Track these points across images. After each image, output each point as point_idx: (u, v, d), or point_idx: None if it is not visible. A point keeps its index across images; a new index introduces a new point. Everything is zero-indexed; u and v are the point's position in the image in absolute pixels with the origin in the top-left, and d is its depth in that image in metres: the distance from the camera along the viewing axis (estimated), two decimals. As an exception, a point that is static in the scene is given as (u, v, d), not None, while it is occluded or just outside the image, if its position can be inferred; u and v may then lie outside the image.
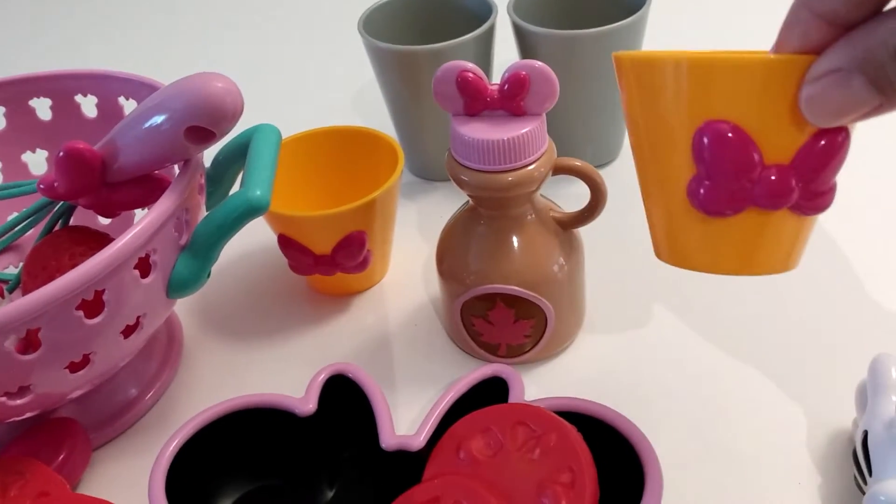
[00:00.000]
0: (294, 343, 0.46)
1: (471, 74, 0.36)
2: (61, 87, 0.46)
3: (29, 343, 0.33)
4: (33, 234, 0.48)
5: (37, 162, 0.48)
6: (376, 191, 0.43)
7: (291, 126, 0.46)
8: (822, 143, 0.26)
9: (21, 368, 0.33)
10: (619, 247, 0.47)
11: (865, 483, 0.33)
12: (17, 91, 0.47)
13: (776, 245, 0.28)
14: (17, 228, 0.44)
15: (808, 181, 0.26)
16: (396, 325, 0.46)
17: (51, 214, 0.43)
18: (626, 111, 0.29)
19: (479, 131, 0.36)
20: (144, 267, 0.35)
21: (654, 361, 0.42)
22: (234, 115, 0.34)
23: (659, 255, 0.30)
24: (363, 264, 0.46)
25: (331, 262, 0.45)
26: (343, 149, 0.48)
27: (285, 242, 0.45)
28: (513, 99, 0.36)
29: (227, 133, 0.35)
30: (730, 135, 0.26)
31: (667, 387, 0.40)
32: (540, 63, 0.35)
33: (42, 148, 0.48)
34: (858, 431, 0.34)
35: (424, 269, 0.49)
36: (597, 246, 0.43)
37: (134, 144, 0.36)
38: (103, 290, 0.33)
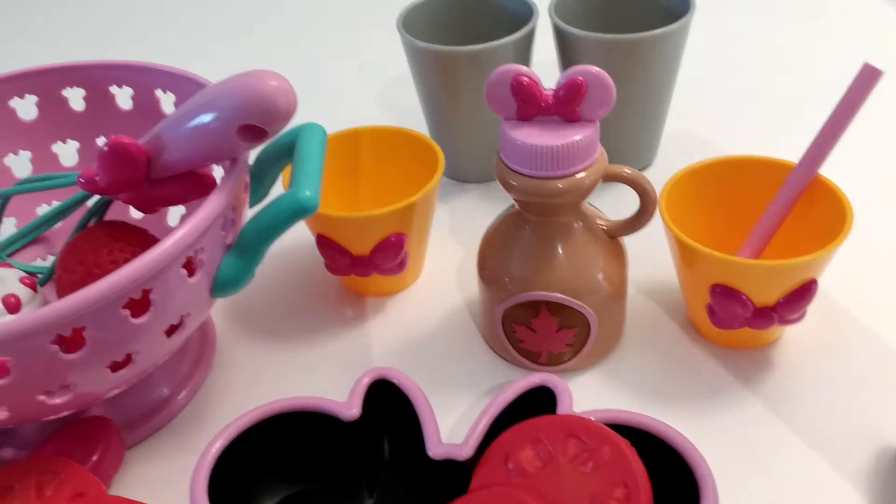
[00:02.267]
0: (327, 344, 0.45)
1: (526, 79, 0.36)
2: (95, 76, 0.45)
3: (72, 341, 0.32)
4: (60, 227, 0.48)
5: (67, 153, 0.48)
6: (416, 193, 0.43)
7: (325, 124, 0.46)
8: (798, 293, 0.38)
9: (64, 367, 0.32)
10: (659, 254, 0.46)
11: (920, 505, 0.32)
12: (50, 80, 0.46)
13: (764, 336, 0.42)
14: (49, 221, 0.43)
15: (784, 314, 0.39)
16: (431, 328, 0.45)
17: (86, 209, 0.42)
18: (671, 249, 0.41)
19: (531, 136, 0.36)
20: (191, 266, 0.34)
21: (695, 373, 0.41)
22: (287, 114, 0.33)
23: (688, 316, 0.44)
24: (400, 266, 0.45)
25: (368, 264, 0.44)
26: (380, 149, 0.48)
27: (323, 242, 0.44)
28: (568, 104, 0.36)
29: (279, 132, 0.34)
30: (730, 292, 0.38)
31: (707, 400, 0.40)
32: (597, 69, 0.35)
33: (73, 139, 0.47)
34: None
35: (458, 271, 0.49)
36: (638, 255, 0.43)
37: (182, 141, 0.35)
38: (150, 290, 0.32)
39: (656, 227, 0.40)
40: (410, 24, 0.51)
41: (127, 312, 0.32)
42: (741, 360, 0.42)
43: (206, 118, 0.34)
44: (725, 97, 0.62)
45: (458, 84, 0.50)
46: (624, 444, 0.32)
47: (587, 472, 0.32)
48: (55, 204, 0.47)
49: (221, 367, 0.44)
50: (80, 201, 0.42)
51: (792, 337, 0.42)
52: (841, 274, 0.42)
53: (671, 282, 0.44)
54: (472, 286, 0.47)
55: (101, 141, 0.47)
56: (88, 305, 0.30)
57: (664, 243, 0.41)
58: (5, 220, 0.47)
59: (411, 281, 0.48)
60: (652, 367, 0.42)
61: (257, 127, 0.33)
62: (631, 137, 0.52)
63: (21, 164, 0.47)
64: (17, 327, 0.30)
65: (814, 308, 0.40)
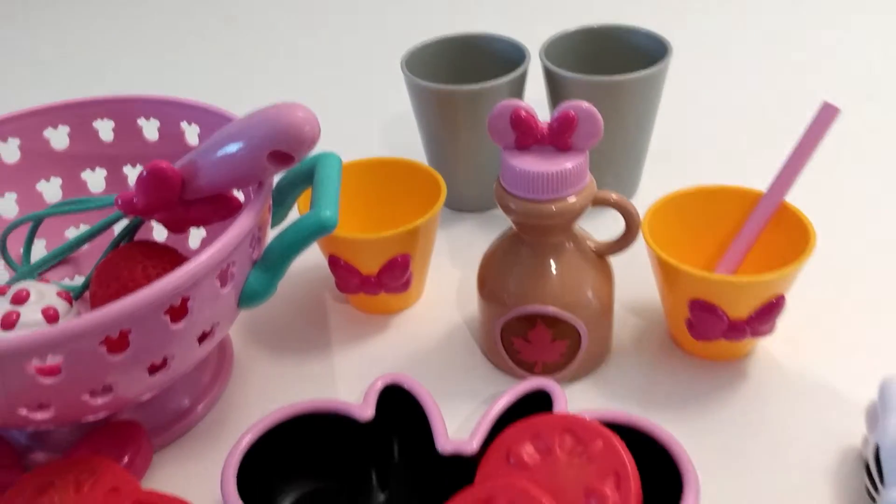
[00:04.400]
0: (337, 359, 0.49)
1: (524, 112, 0.40)
2: (125, 109, 0.49)
3: (116, 344, 0.35)
4: (87, 249, 0.51)
5: (95, 180, 0.51)
6: (421, 217, 0.47)
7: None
8: (767, 308, 0.42)
9: (108, 368, 0.35)
10: (642, 277, 0.50)
11: (877, 491, 0.36)
12: (82, 112, 0.50)
13: (738, 349, 0.46)
14: (81, 242, 0.47)
15: (756, 327, 0.43)
16: (433, 343, 0.49)
17: (112, 232, 0.45)
18: (653, 269, 0.45)
19: (528, 164, 0.40)
20: (224, 278, 0.37)
21: (676, 383, 0.45)
22: (311, 141, 0.37)
23: (670, 331, 0.48)
24: (405, 285, 0.49)
25: (376, 283, 0.48)
26: (387, 178, 0.52)
27: (335, 262, 0.48)
28: (561, 135, 0.40)
29: (304, 158, 0.38)
30: (707, 307, 0.42)
31: (687, 406, 0.44)
32: (587, 104, 0.39)
33: (101, 167, 0.51)
34: (870, 447, 0.38)
35: (457, 293, 0.53)
36: (623, 277, 0.47)
37: (215, 166, 0.39)
38: (188, 297, 0.36)
39: (640, 252, 0.45)
40: (413, 65, 0.56)
41: (167, 318, 0.36)
42: (718, 371, 0.45)
43: (239, 145, 0.38)
44: (701, 133, 0.67)
45: (458, 120, 0.54)
46: (614, 437, 0.36)
47: (582, 463, 0.36)
48: (83, 227, 0.51)
49: (239, 381, 0.48)
50: (113, 222, 0.45)
51: (763, 350, 0.46)
52: (806, 292, 0.47)
53: (654, 301, 0.48)
54: (470, 306, 0.51)
55: (127, 169, 0.51)
56: (137, 309, 0.34)
57: (647, 267, 0.45)
58: (35, 241, 0.50)
59: (414, 301, 0.52)
60: (637, 377, 0.46)
61: (285, 153, 0.37)
62: (615, 169, 0.57)
63: (52, 190, 0.51)
64: (71, 328, 0.33)
65: (782, 324, 0.44)
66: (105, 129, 0.50)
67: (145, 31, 0.97)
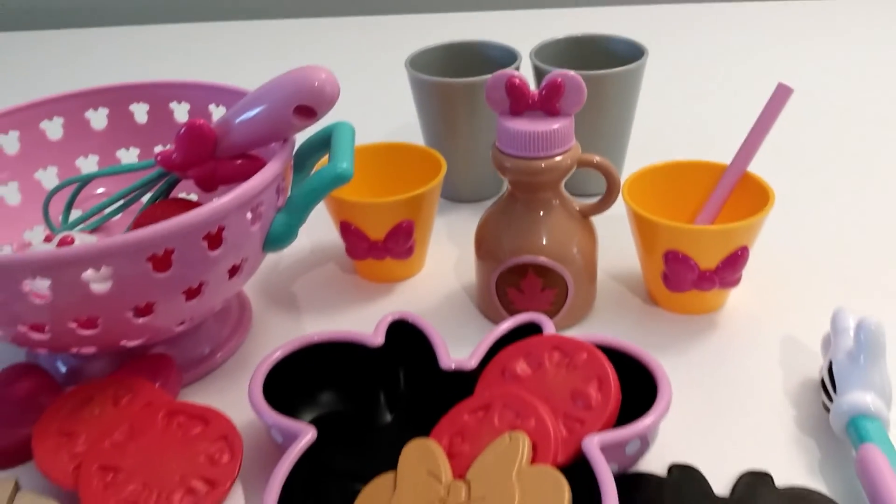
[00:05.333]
0: (346, 320, 0.53)
1: (517, 80, 0.46)
2: (159, 94, 0.55)
3: (161, 262, 0.40)
4: (119, 219, 0.56)
5: (129, 158, 0.56)
6: (423, 187, 0.52)
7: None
8: (733, 257, 0.47)
9: (152, 285, 0.40)
10: (622, 246, 0.56)
11: (831, 401, 0.41)
12: (120, 96, 0.55)
13: (709, 301, 0.51)
14: (120, 203, 0.52)
15: (724, 277, 0.48)
16: (434, 306, 0.54)
17: (140, 204, 0.51)
18: (631, 225, 0.50)
19: (520, 125, 0.46)
20: (255, 213, 0.43)
21: (653, 332, 0.50)
22: (332, 99, 0.43)
23: (647, 290, 0.53)
24: (409, 251, 0.54)
25: (383, 248, 0.53)
26: (392, 158, 0.57)
27: (346, 228, 0.53)
28: (550, 101, 0.46)
29: (324, 115, 0.43)
30: (680, 258, 0.48)
31: (664, 351, 0.48)
32: (573, 72, 0.45)
33: (135, 146, 0.56)
34: (824, 364, 0.42)
35: (455, 266, 0.58)
36: (606, 246, 0.52)
37: (247, 122, 0.44)
38: (224, 227, 0.41)
39: (621, 224, 0.50)
40: (417, 66, 0.62)
41: (205, 244, 0.40)
42: (692, 323, 0.50)
43: (269, 101, 0.43)
44: (676, 123, 0.75)
45: (456, 113, 0.60)
46: (597, 350, 0.41)
47: (568, 372, 0.40)
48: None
49: (255, 337, 0.52)
50: (149, 182, 0.50)
51: (732, 305, 0.51)
52: (771, 252, 0.52)
53: (633, 269, 0.54)
54: (468, 276, 0.56)
55: (158, 148, 0.56)
56: (180, 230, 0.39)
57: (627, 240, 0.51)
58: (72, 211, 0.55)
59: (417, 271, 0.57)
60: (618, 328, 0.50)
61: (309, 107, 0.43)
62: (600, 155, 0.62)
63: (89, 166, 0.56)
64: (122, 241, 0.38)
65: (750, 283, 0.49)
66: (140, 111, 0.56)
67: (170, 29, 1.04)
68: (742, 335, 0.49)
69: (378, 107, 0.82)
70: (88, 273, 0.38)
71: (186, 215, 0.39)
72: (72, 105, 0.55)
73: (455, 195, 0.65)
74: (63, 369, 0.47)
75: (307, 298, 0.55)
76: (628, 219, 0.50)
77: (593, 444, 0.36)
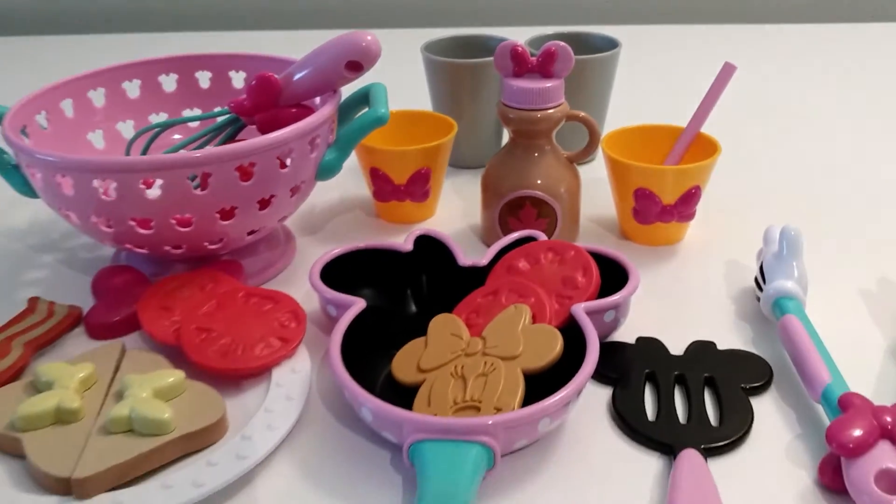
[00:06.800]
0: (373, 248, 0.64)
1: (520, 48, 0.58)
2: (221, 63, 0.67)
3: (244, 172, 0.51)
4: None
5: (192, 117, 0.68)
6: (439, 139, 0.64)
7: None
8: (688, 194, 0.59)
9: (237, 191, 0.51)
10: (600, 202, 0.68)
11: (761, 291, 0.52)
12: (188, 64, 0.67)
13: (672, 234, 0.62)
14: (194, 146, 0.62)
15: (682, 210, 0.60)
16: (446, 240, 0.65)
17: (222, 134, 0.62)
18: (608, 172, 0.62)
19: (522, 84, 0.58)
20: (312, 144, 0.54)
21: (629, 258, 0.62)
22: (376, 55, 0.55)
23: (620, 228, 0.65)
24: (426, 195, 0.65)
25: (404, 191, 0.65)
26: (411, 122, 0.69)
27: (374, 173, 0.64)
28: (545, 65, 0.58)
29: (368, 70, 0.55)
30: (647, 194, 0.59)
31: (638, 269, 0.60)
32: (563, 43, 0.58)
33: (198, 108, 0.68)
34: (757, 267, 0.54)
35: (463, 213, 0.69)
36: (588, 200, 0.64)
37: (306, 75, 0.56)
38: (291, 150, 0.52)
39: (601, 185, 0.62)
40: (430, 50, 0.74)
41: (277, 162, 0.52)
42: (658, 253, 0.62)
43: (325, 57, 0.55)
44: (643, 106, 0.86)
45: (463, 90, 0.72)
46: (582, 248, 0.52)
47: (560, 265, 0.52)
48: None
49: (296, 265, 0.63)
50: (218, 128, 0.61)
51: (689, 238, 0.63)
52: (717, 196, 0.64)
53: (609, 215, 0.66)
54: (472, 218, 0.67)
55: (217, 109, 0.67)
56: (260, 147, 0.50)
57: (604, 197, 0.63)
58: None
59: (430, 214, 0.68)
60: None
61: (358, 62, 0.54)
62: (580, 135, 0.75)
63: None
64: (219, 151, 0.49)
65: (704, 221, 0.62)
66: (204, 78, 0.67)
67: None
68: (697, 258, 0.61)
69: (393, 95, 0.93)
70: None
71: (263, 137, 0.50)
72: (148, 69, 0.66)
73: (461, 161, 0.77)
74: (147, 273, 0.58)
75: (338, 236, 0.66)
76: (606, 166, 0.62)
77: (580, 309, 0.48)
